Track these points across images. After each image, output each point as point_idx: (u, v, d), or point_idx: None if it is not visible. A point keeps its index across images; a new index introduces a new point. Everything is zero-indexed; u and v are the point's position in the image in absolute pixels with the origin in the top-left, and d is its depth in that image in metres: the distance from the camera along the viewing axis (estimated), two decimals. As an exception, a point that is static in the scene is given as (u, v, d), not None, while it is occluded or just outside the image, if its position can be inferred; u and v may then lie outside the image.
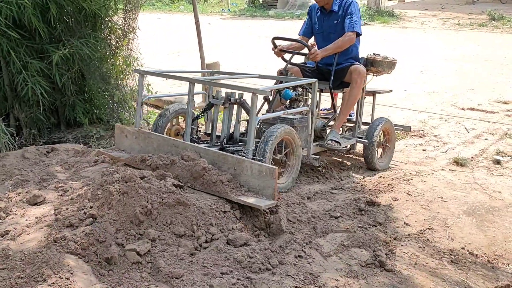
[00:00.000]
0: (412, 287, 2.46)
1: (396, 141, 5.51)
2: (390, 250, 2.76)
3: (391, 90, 4.96)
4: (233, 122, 3.63)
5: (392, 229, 3.04)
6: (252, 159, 3.04)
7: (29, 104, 5.05)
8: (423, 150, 5.19)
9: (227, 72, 4.22)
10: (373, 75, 4.43)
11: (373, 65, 4.28)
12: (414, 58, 10.66)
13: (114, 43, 5.52)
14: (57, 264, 2.24)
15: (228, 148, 3.34)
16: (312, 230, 2.84)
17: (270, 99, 3.92)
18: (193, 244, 2.50)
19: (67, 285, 2.15)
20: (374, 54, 4.36)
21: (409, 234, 3.00)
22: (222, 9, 22.16)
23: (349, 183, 3.79)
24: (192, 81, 3.46)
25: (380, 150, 4.41)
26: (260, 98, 3.55)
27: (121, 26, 5.53)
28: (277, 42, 4.15)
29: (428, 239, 2.97)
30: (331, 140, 3.85)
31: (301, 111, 3.70)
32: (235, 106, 3.52)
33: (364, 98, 4.44)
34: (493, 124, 6.21)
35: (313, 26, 4.32)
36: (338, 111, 4.16)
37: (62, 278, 2.17)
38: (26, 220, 2.75)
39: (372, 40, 14.82)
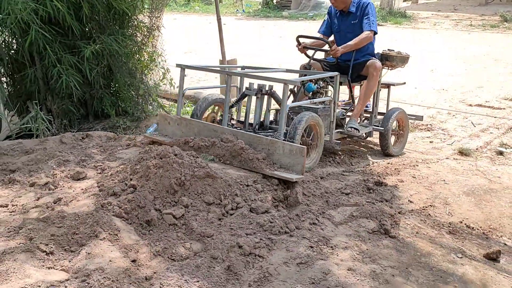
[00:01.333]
0: (413, 250, 2.79)
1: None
2: (394, 221, 3.09)
3: (405, 83, 5.32)
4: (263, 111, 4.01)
5: (397, 205, 3.37)
6: (283, 140, 3.43)
7: (61, 96, 5.46)
8: (430, 142, 5.49)
9: (257, 67, 4.62)
10: (388, 68, 4.81)
11: (388, 59, 4.66)
12: (425, 58, 10.93)
13: (140, 40, 5.92)
14: (106, 223, 2.61)
15: (259, 133, 3.74)
16: (325, 203, 3.19)
17: (296, 91, 4.34)
18: (221, 210, 2.86)
19: (116, 239, 2.52)
20: (388, 49, 4.76)
21: (412, 210, 3.33)
22: (237, 10, 22.56)
23: (359, 167, 4.12)
24: (229, 74, 3.91)
25: (394, 137, 4.77)
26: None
27: (146, 24, 5.93)
28: (301, 40, 4.57)
29: (429, 214, 3.29)
30: (351, 127, 4.27)
31: (324, 101, 4.10)
32: (266, 97, 3.93)
33: (380, 90, 4.79)
34: (499, 119, 6.48)
35: (332, 26, 4.72)
36: (356, 101, 4.59)
37: (111, 234, 2.54)
38: (73, 191, 3.14)
39: (383, 40, 15.07)
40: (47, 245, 2.43)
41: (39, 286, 2.12)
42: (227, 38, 14.02)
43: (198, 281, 2.29)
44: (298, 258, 2.54)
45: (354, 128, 4.28)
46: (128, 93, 5.93)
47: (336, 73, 3.99)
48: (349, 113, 4.61)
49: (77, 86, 5.09)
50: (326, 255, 2.61)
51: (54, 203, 2.92)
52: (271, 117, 4.10)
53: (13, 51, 5.48)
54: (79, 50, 5.34)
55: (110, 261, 2.34)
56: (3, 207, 2.92)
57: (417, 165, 4.32)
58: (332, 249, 2.68)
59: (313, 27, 17.34)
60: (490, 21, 16.76)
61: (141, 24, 5.94)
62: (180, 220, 2.74)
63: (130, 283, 2.20)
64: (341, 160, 4.31)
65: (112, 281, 2.20)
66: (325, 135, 3.91)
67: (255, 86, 3.92)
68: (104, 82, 5.73)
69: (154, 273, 2.31)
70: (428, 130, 6.02)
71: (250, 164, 3.28)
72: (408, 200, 3.47)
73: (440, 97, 7.91)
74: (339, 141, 4.07)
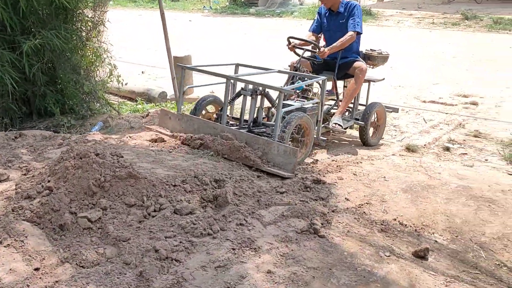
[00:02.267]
0: (340, 250, 2.72)
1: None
2: (326, 220, 3.02)
3: (384, 79, 5.57)
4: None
5: (332, 203, 3.30)
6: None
7: (1, 93, 5.20)
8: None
9: (251, 66, 4.85)
10: (370, 67, 5.18)
11: (370, 59, 5.09)
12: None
13: (84, 35, 5.70)
14: (13, 229, 2.44)
15: (254, 130, 4.12)
16: (256, 202, 3.09)
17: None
18: (142, 212, 2.73)
19: (22, 246, 2.36)
20: (371, 49, 5.17)
21: (347, 208, 3.27)
22: (204, 7, 22.32)
23: (300, 165, 4.04)
24: (228, 78, 4.18)
25: (372, 129, 5.16)
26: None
27: (91, 19, 5.71)
28: (291, 40, 4.88)
29: (364, 212, 3.24)
30: (335, 123, 4.64)
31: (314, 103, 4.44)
32: (259, 97, 4.25)
33: (361, 85, 5.02)
34: (450, 116, 6.54)
35: (321, 24, 5.06)
36: (342, 97, 5.02)
37: (17, 240, 2.38)
38: (-11, 194, 2.95)
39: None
40: None
41: None
42: (193, 34, 13.84)
43: (104, 289, 2.15)
44: (217, 262, 2.43)
45: (338, 124, 4.63)
46: (74, 90, 5.70)
47: (324, 77, 4.34)
48: (333, 110, 5.04)
49: (13, 84, 4.85)
50: (248, 257, 2.52)
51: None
52: (263, 114, 4.49)
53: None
54: (19, 46, 5.10)
55: (10, 270, 2.18)
56: None
57: (361, 162, 4.28)
58: (255, 251, 2.58)
59: (280, 25, 17.30)
60: (452, 19, 17.06)
61: (86, 18, 5.73)
62: (96, 223, 2.59)
63: (27, 294, 2.05)
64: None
65: (7, 292, 2.04)
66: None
67: (250, 87, 4.21)
68: (46, 79, 5.50)
69: (56, 282, 2.17)
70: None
71: (247, 160, 3.63)
72: (345, 198, 3.41)
73: (396, 94, 7.95)
74: (325, 138, 4.44)
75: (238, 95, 4.34)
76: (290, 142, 4.00)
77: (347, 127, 5.05)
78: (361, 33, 4.87)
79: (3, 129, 5.36)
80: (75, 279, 2.19)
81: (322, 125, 4.64)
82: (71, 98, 5.76)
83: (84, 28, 5.69)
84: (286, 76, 4.93)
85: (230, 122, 4.47)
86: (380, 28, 15.96)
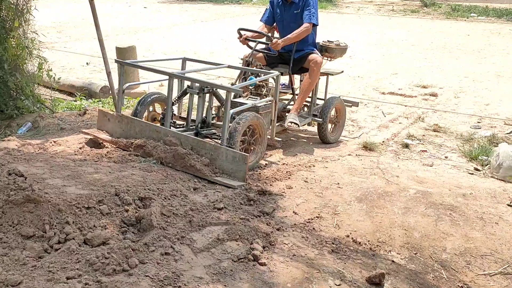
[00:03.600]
0: (282, 280, 2.32)
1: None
2: (269, 242, 2.62)
3: (342, 71, 5.17)
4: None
5: (278, 219, 2.91)
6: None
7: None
8: (340, 136, 5.13)
9: (199, 61, 4.58)
10: (327, 59, 4.85)
11: (327, 51, 4.76)
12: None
13: (7, 26, 5.05)
14: None
15: (202, 132, 3.78)
16: (187, 224, 2.65)
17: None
18: (43, 245, 2.24)
19: None
20: (328, 41, 4.79)
21: (295, 224, 2.88)
22: (160, -7, 21.40)
23: (253, 170, 3.63)
24: (171, 76, 3.80)
25: (331, 125, 4.89)
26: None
27: (14, 6, 5.06)
28: (242, 32, 4.55)
29: (314, 228, 2.86)
30: (291, 122, 4.29)
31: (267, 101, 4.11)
32: (208, 95, 3.86)
33: (319, 79, 4.74)
34: (409, 108, 6.27)
35: (274, 15, 4.69)
36: (297, 93, 4.64)
37: None
38: None
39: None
40: None
41: None
42: (144, 23, 13.13)
43: None
44: (130, 308, 1.99)
45: (294, 123, 4.31)
46: (-2, 87, 5.06)
47: (277, 73, 4.06)
48: (289, 106, 4.67)
49: None
50: (170, 299, 2.08)
51: None
52: (213, 114, 4.15)
53: None
54: None
55: None
56: None
57: (314, 165, 3.90)
58: (180, 289, 2.15)
59: (237, 11, 16.74)
60: (411, 6, 17.00)
61: (10, 5, 5.07)
62: (-20, 263, 2.09)
63: None
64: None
65: None
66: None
67: (197, 84, 3.83)
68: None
69: None
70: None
71: (192, 169, 3.28)
72: (293, 212, 3.02)
73: (355, 84, 7.65)
74: (280, 139, 4.26)
75: (184, 93, 3.96)
76: (242, 145, 3.67)
77: (304, 125, 4.73)
78: (317, 25, 4.57)
79: None
80: None
81: (277, 124, 4.33)
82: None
83: (7, 17, 5.03)
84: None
85: (178, 122, 4.07)
86: (341, 15, 15.68)
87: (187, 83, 3.98)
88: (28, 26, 5.20)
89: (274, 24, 4.77)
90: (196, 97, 3.87)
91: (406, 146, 4.77)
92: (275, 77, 4.05)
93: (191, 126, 3.92)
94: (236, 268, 2.35)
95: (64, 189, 2.60)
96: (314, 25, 4.51)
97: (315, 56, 4.49)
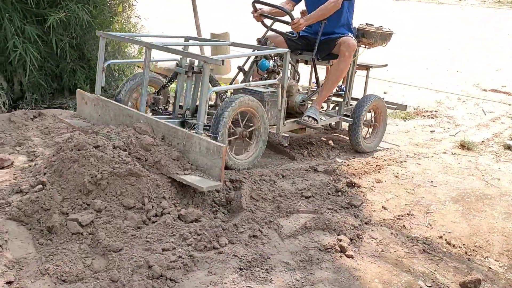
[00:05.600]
0: (370, 276, 2.27)
1: (405, 120, 5.23)
2: (357, 235, 2.56)
3: (386, 65, 4.59)
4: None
5: (366, 213, 2.83)
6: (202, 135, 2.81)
7: (30, 69, 5.02)
8: (431, 131, 4.89)
9: (202, 38, 3.90)
10: (365, 47, 4.10)
11: (364, 36, 3.98)
12: (445, 36, 10.12)
13: (113, 9, 5.40)
14: (-4, 230, 2.17)
15: (189, 121, 3.14)
16: (275, 209, 2.67)
17: (245, 69, 3.62)
18: (141, 217, 2.38)
19: (0, 251, 2.08)
20: (366, 24, 4.04)
21: (384, 219, 2.79)
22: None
23: (334, 162, 3.57)
24: (148, 47, 3.12)
25: (367, 130, 4.13)
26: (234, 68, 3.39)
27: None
28: (257, 6, 3.76)
29: (404, 226, 2.75)
30: (308, 116, 3.56)
31: (271, 85, 3.36)
32: (198, 76, 3.25)
33: (355, 72, 4.14)
34: (513, 107, 5.80)
35: None
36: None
37: (-4, 244, 2.10)
38: (-15, 184, 2.70)
39: (401, 16, 14.16)
40: None
41: None
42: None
43: (81, 313, 1.83)
44: (220, 285, 2.05)
45: (312, 118, 3.56)
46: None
47: (286, 50, 3.29)
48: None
49: (32, 60, 4.62)
50: (257, 280, 2.12)
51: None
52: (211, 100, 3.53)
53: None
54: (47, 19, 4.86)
55: (-21, 282, 1.90)
56: None
57: (405, 161, 3.75)
58: (267, 272, 2.18)
59: None
60: (521, -4, 15.59)
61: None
62: (87, 228, 2.27)
63: (-10, 315, 1.76)
64: (317, 152, 3.77)
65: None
66: (274, 125, 3.34)
67: (187, 62, 3.23)
68: (76, 55, 5.27)
69: (28, 301, 1.87)
70: (432, 118, 5.41)
71: (158, 165, 2.62)
72: (382, 207, 2.93)
73: (453, 79, 7.21)
74: (287, 135, 3.35)
75: (175, 75, 3.38)
76: (232, 138, 3.07)
77: (326, 124, 4.01)
78: (350, 0, 3.77)
79: (33, 104, 5.20)
80: (51, 298, 1.88)
81: (292, 120, 3.58)
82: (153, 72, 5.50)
83: (113, 2, 5.37)
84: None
85: (169, 111, 3.47)
86: (440, 5, 14.82)
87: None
88: (131, 11, 5.52)
89: (302, 1, 3.95)
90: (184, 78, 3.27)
91: (509, 147, 4.41)
92: (284, 55, 3.28)
93: (180, 114, 3.35)
94: (323, 258, 2.33)
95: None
96: (346, 1, 3.68)
97: (348, 38, 3.70)
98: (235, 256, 2.24)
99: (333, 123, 4.22)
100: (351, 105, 4.18)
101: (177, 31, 10.58)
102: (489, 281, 2.39)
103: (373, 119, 4.13)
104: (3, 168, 3.00)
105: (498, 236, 2.72)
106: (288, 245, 2.41)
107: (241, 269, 2.16)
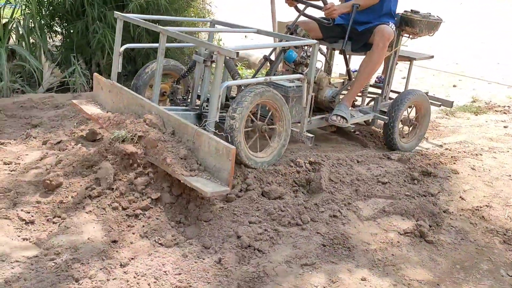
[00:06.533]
0: (451, 261, 2.29)
1: (476, 115, 5.10)
2: (435, 222, 2.58)
3: (432, 56, 4.23)
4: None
5: (444, 202, 2.83)
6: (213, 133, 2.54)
7: (107, 51, 5.30)
8: (505, 127, 4.74)
9: (227, 23, 3.52)
10: (409, 36, 3.73)
11: (408, 24, 3.58)
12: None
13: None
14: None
15: (206, 114, 2.73)
16: (353, 192, 2.73)
17: (272, 59, 3.30)
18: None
19: (102, 214, 2.27)
20: (412, 10, 3.63)
21: (462, 209, 2.78)
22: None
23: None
24: (163, 32, 2.83)
25: (406, 128, 3.78)
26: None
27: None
28: None
29: (483, 216, 2.73)
30: (336, 115, 3.27)
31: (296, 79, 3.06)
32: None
33: (396, 64, 3.83)
34: None
35: None
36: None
37: (99, 208, 2.30)
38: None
39: (468, 10, 13.55)
40: (29, 213, 2.23)
41: (3, 261, 1.93)
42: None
43: (179, 274, 1.98)
44: (304, 258, 2.14)
45: (341, 117, 3.26)
46: (173, 52, 5.66)
47: (314, 41, 2.94)
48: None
49: (110, 43, 4.87)
50: (340, 257, 2.20)
51: (55, 165, 2.71)
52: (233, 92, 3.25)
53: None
54: (127, 4, 5.12)
55: (88, 239, 2.09)
56: (7, 164, 2.77)
57: (481, 154, 3.68)
58: (349, 250, 2.25)
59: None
60: None
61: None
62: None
63: (101, 269, 1.94)
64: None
65: (82, 263, 1.95)
66: (298, 123, 3.08)
67: (206, 50, 2.97)
68: (150, 39, 5.50)
69: (132, 259, 2.03)
70: (504, 113, 5.24)
71: (162, 163, 2.40)
72: (460, 197, 2.92)
73: (527, 75, 6.91)
74: (311, 135, 2.98)
75: (194, 64, 3.16)
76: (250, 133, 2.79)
77: (357, 122, 3.64)
78: None
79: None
80: (152, 258, 2.04)
81: (320, 116, 3.34)
82: (173, 58, 5.72)
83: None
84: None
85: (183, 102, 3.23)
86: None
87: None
88: (207, -3, 5.69)
89: None
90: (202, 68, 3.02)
91: None
92: (313, 46, 2.93)
93: (196, 105, 3.13)
94: (403, 241, 2.38)
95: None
96: None
97: (384, 26, 3.36)
98: (318, 233, 2.32)
99: (368, 121, 3.87)
100: (390, 99, 3.88)
101: (248, 19, 10.71)
102: None
103: (414, 117, 3.77)
104: (94, 141, 3.24)
105: None
106: (367, 227, 2.47)
107: (324, 246, 2.25)
